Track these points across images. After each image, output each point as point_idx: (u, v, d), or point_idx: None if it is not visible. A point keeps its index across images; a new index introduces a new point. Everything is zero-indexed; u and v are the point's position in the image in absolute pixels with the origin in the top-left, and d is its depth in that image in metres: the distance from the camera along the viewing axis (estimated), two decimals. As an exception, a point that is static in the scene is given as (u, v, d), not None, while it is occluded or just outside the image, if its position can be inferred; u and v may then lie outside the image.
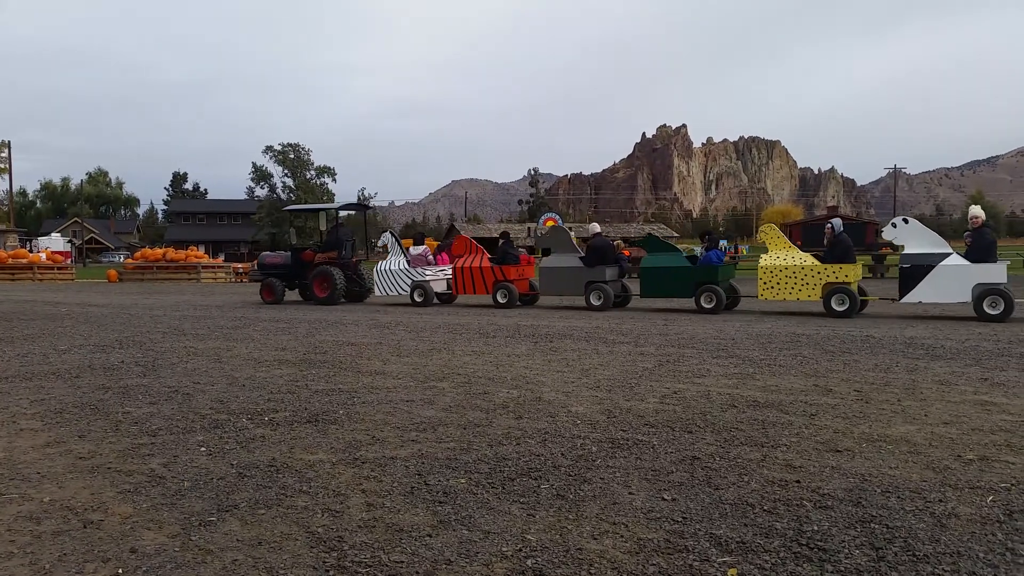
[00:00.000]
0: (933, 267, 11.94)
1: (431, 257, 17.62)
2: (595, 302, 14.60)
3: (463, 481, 3.84)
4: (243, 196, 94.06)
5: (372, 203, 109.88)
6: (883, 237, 13.24)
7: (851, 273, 12.67)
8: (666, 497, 3.56)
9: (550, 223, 70.85)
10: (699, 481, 3.79)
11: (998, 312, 11.39)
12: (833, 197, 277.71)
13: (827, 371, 7.00)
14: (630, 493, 3.63)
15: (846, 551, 2.91)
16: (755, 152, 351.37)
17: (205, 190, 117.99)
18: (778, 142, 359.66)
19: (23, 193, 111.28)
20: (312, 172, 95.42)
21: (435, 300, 16.84)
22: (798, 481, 3.76)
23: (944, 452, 4.24)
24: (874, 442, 4.47)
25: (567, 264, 15.17)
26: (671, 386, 6.33)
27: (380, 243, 18.18)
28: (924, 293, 12.05)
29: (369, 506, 3.49)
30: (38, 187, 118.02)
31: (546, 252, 16.42)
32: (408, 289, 16.81)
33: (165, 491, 3.74)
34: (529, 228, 71.53)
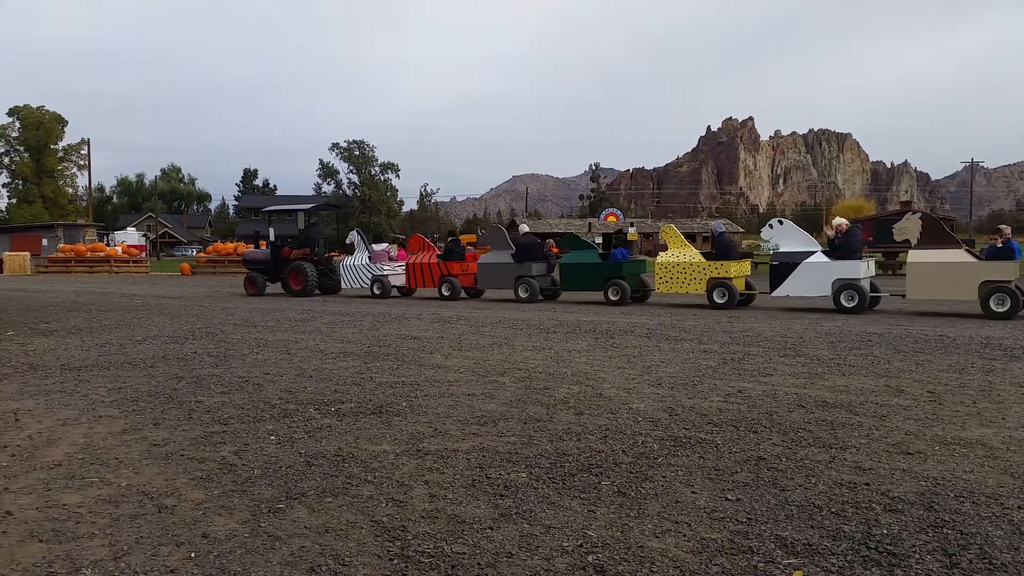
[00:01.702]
0: (799, 264, 12.98)
1: (393, 253, 19.07)
2: (522, 295, 15.71)
3: (524, 475, 3.86)
4: (311, 192, 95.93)
5: (434, 199, 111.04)
6: (762, 236, 14.16)
7: (732, 269, 13.85)
8: (730, 497, 3.51)
9: (611, 219, 70.49)
10: (764, 482, 3.72)
11: (853, 304, 12.29)
12: (906, 192, 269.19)
13: (899, 371, 6.79)
14: (693, 492, 3.59)
15: (917, 556, 2.82)
16: (825, 145, 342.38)
17: (275, 186, 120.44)
18: (849, 135, 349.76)
19: (101, 189, 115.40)
20: (376, 168, 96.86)
21: (393, 293, 18.12)
22: (867, 483, 3.66)
23: (1023, 457, 4.08)
24: (948, 445, 4.33)
25: (499, 260, 16.38)
26: (736, 385, 6.23)
27: (348, 240, 19.56)
28: (791, 287, 13.09)
29: (432, 497, 3.54)
30: (115, 183, 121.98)
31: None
32: (369, 282, 18.04)
33: (236, 478, 3.85)
34: (590, 224, 71.23)
